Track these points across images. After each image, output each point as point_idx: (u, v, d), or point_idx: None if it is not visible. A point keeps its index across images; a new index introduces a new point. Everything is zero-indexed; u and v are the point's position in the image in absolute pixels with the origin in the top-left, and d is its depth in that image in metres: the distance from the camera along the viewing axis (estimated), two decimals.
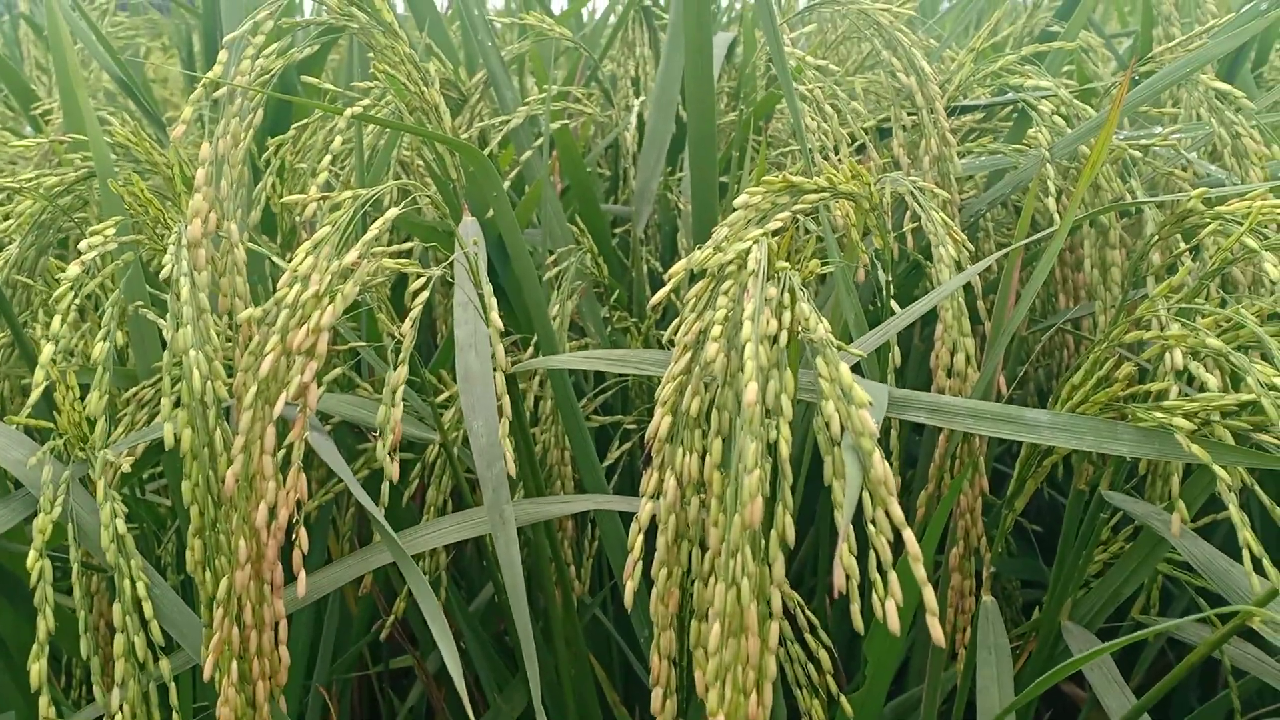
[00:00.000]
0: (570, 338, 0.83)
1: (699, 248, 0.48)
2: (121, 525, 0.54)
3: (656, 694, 0.48)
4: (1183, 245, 0.63)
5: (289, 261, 0.51)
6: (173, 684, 0.55)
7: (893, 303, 0.64)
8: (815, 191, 0.55)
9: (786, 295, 0.44)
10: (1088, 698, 0.70)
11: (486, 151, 0.82)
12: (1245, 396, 0.49)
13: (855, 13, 0.74)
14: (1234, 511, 0.49)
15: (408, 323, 0.55)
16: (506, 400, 0.56)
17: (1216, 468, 0.49)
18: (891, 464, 0.66)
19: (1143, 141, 0.72)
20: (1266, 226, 0.53)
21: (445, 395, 0.72)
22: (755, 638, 0.42)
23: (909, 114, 0.74)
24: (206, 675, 0.52)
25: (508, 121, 0.84)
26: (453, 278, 0.58)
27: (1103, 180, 0.72)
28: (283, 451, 0.50)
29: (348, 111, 0.62)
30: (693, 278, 0.48)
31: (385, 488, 0.56)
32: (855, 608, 0.42)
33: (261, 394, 0.50)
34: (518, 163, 0.86)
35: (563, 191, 0.96)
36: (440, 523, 0.62)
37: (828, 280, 0.74)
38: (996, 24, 0.89)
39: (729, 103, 1.04)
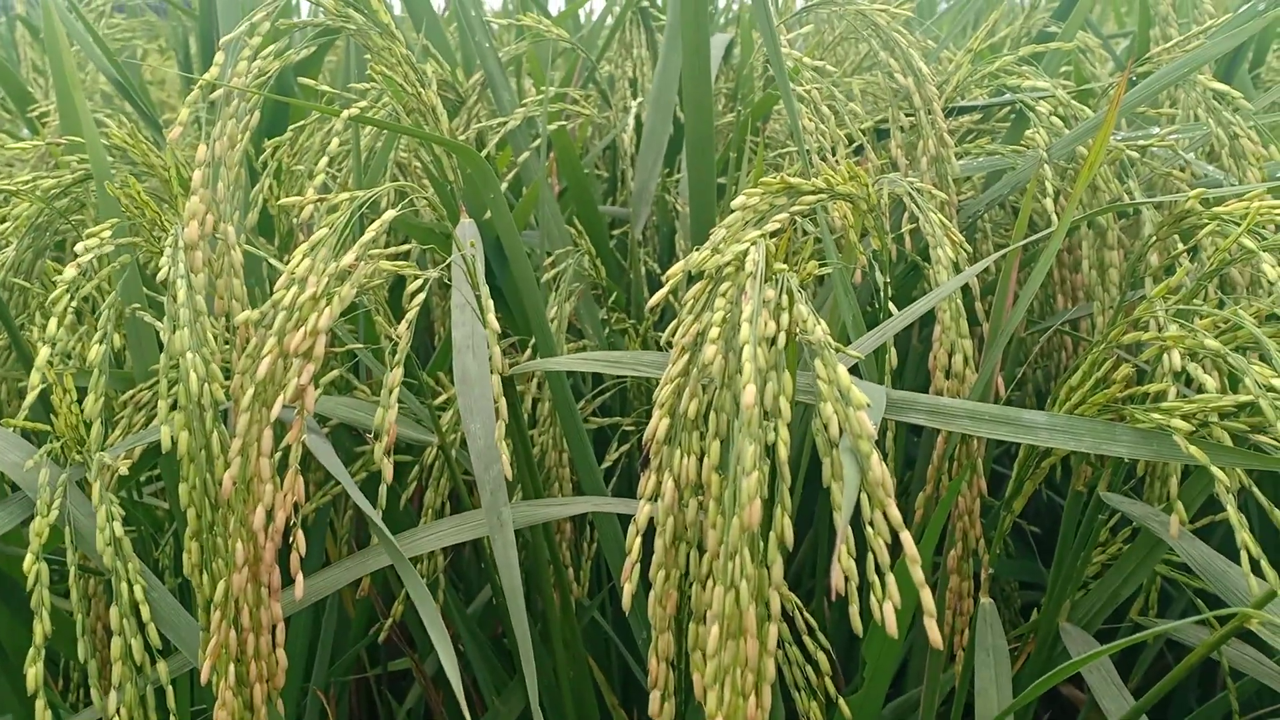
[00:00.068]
0: (568, 339, 0.82)
1: (697, 249, 0.47)
2: (119, 528, 0.54)
3: (655, 696, 0.48)
4: (1181, 246, 0.63)
5: (286, 263, 0.51)
6: (170, 687, 0.55)
7: (890, 304, 0.64)
8: (813, 193, 0.55)
9: (784, 297, 0.44)
10: (1086, 699, 0.70)
11: (484, 153, 0.82)
12: (1243, 398, 0.49)
13: (852, 13, 0.74)
14: (1232, 513, 0.49)
15: (404, 324, 0.55)
16: (504, 402, 0.56)
17: (1214, 469, 0.49)
18: (890, 466, 0.66)
19: (1140, 142, 0.72)
20: (1264, 227, 0.53)
21: (443, 398, 0.72)
22: (754, 640, 0.42)
23: (906, 115, 0.74)
24: (204, 678, 0.52)
25: (505, 123, 0.84)
26: (450, 280, 0.58)
27: (1100, 181, 0.72)
28: (280, 454, 0.50)
29: (345, 113, 0.62)
30: (691, 279, 0.48)
31: (382, 490, 0.56)
32: (854, 609, 0.42)
33: (259, 396, 0.50)
34: (515, 164, 0.86)
35: (560, 193, 0.96)
36: (438, 525, 0.62)
37: (826, 282, 0.74)
38: (994, 25, 0.89)
39: (726, 104, 1.04)
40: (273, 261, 0.67)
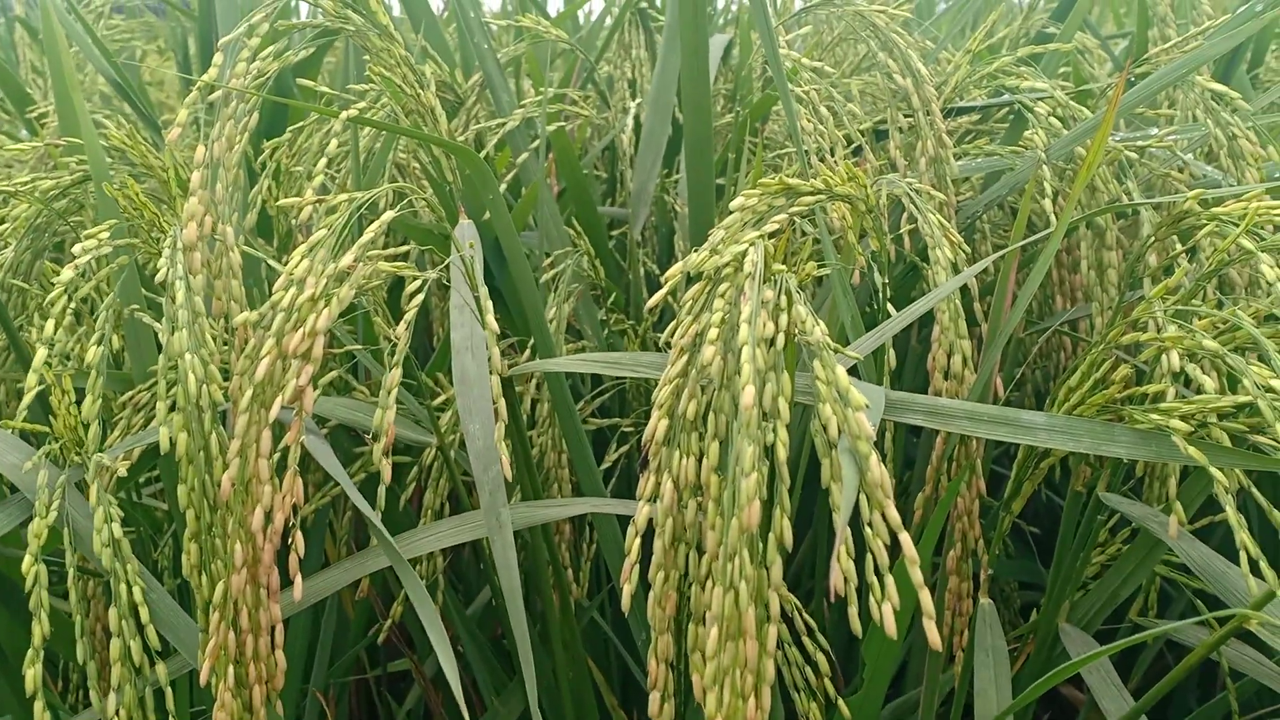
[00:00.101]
0: (567, 340, 0.82)
1: (696, 250, 0.48)
2: (118, 529, 0.54)
3: (654, 698, 0.48)
4: (1179, 247, 0.63)
5: (285, 265, 0.51)
6: (169, 688, 0.55)
7: (889, 305, 0.64)
8: (811, 194, 0.55)
9: (783, 298, 0.44)
10: (1086, 700, 0.70)
11: (483, 154, 0.82)
12: (1242, 398, 0.49)
13: (851, 14, 0.74)
14: (1231, 513, 0.49)
15: (402, 325, 0.55)
16: (503, 403, 0.56)
17: (1213, 470, 0.49)
18: (889, 466, 0.66)
19: (1139, 143, 0.72)
20: (1263, 228, 0.53)
21: (442, 398, 0.72)
22: (753, 641, 0.42)
23: (905, 116, 0.74)
24: (203, 679, 0.52)
25: (504, 124, 0.84)
26: (449, 281, 0.58)
27: (1099, 182, 0.72)
28: (279, 455, 0.50)
29: (344, 114, 0.62)
30: (689, 280, 0.48)
31: (381, 491, 0.56)
32: (853, 611, 0.42)
33: (257, 397, 0.50)
34: (514, 165, 0.86)
35: (559, 194, 0.96)
36: (437, 526, 0.62)
37: (824, 282, 0.74)
38: (993, 25, 0.89)
39: (725, 105, 1.04)
40: (271, 263, 0.67)
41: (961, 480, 0.62)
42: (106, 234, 0.56)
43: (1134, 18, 0.94)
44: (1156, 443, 0.51)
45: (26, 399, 0.53)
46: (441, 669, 0.51)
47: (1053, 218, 0.71)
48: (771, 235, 0.49)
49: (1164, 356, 0.52)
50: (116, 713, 0.54)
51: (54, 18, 0.69)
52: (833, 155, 0.73)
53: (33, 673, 0.53)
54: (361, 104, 0.72)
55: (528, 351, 0.76)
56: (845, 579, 0.41)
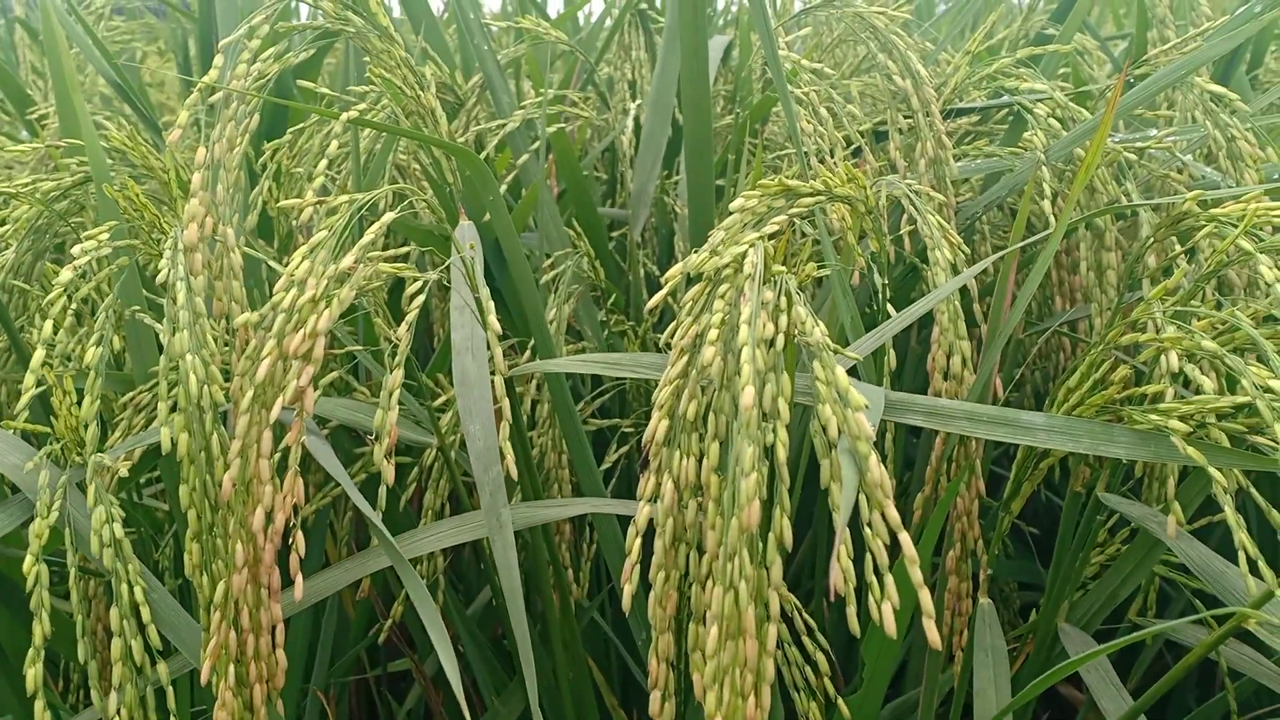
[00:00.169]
0: (567, 341, 0.83)
1: (695, 251, 0.48)
2: (119, 529, 0.54)
3: (655, 697, 0.49)
4: (1178, 248, 0.63)
5: (285, 266, 0.51)
6: (170, 688, 0.55)
7: (889, 306, 0.64)
8: (811, 195, 0.55)
9: (783, 299, 0.44)
10: (1085, 699, 0.70)
11: (483, 155, 0.82)
12: (1241, 399, 0.50)
13: (851, 16, 0.74)
14: (1230, 513, 0.49)
15: (404, 326, 0.55)
16: (507, 403, 0.56)
17: (1212, 470, 0.49)
18: (889, 467, 0.66)
19: (1138, 144, 0.72)
20: (1261, 229, 0.53)
21: (442, 399, 0.72)
22: (753, 640, 0.42)
23: (905, 117, 0.74)
24: (204, 679, 0.52)
25: (504, 125, 0.84)
26: (449, 282, 0.58)
27: (1098, 183, 0.72)
28: (279, 455, 0.50)
29: (344, 116, 0.62)
30: (689, 281, 0.48)
31: (382, 491, 0.56)
32: (851, 611, 0.42)
33: (258, 398, 0.50)
34: (514, 166, 0.86)
35: (559, 195, 0.96)
36: (438, 526, 0.62)
37: (824, 284, 0.74)
38: (992, 27, 0.89)
39: (725, 106, 1.04)
40: (272, 264, 0.67)
41: (961, 480, 0.62)
42: (106, 235, 0.56)
43: (1133, 19, 0.94)
44: (1155, 443, 0.51)
45: (24, 399, 0.53)
46: (442, 669, 0.51)
47: (1052, 219, 0.71)
48: (771, 236, 0.49)
49: (1163, 357, 0.52)
50: (117, 712, 0.54)
51: (54, 19, 0.69)
52: (832, 156, 0.73)
53: (33, 672, 0.53)
54: (362, 105, 0.72)
55: (528, 352, 0.76)
56: (845, 579, 0.41)
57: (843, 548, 0.41)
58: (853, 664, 0.78)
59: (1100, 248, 0.73)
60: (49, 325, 0.54)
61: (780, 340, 0.43)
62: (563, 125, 0.90)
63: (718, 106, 1.04)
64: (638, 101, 0.98)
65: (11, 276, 0.68)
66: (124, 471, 0.62)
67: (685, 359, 0.46)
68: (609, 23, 1.28)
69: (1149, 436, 0.51)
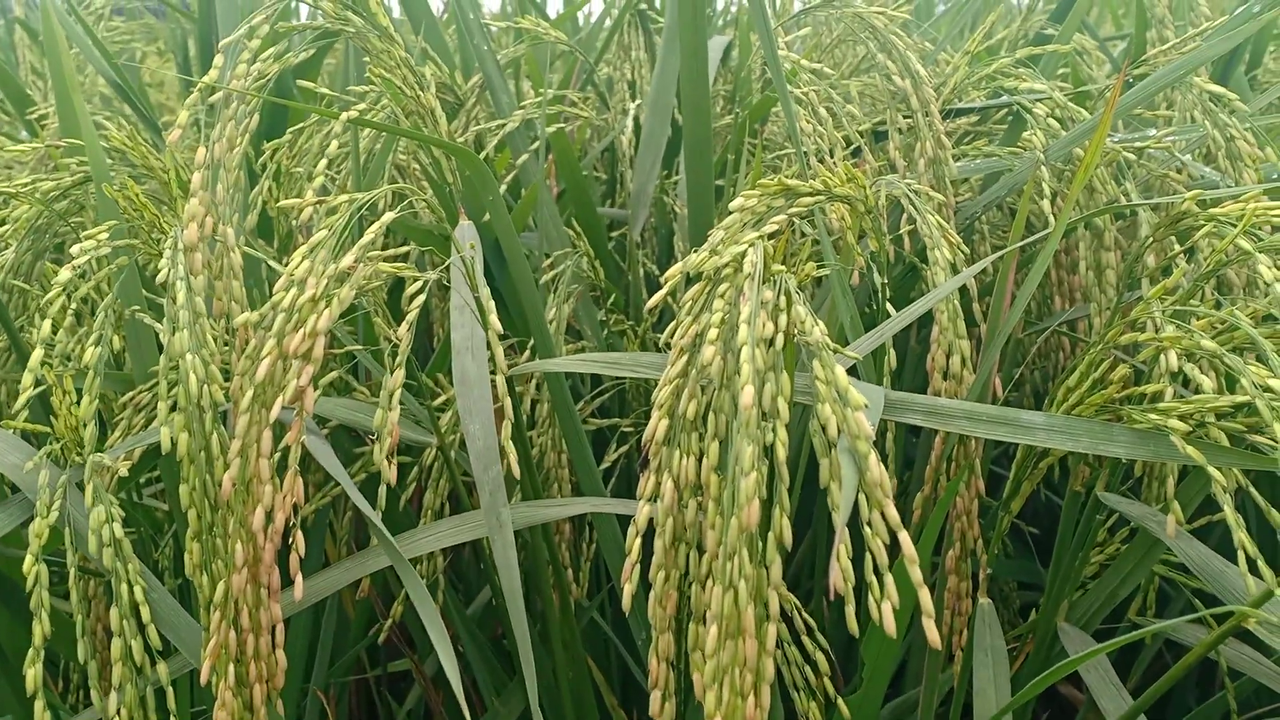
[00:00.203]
0: (567, 341, 0.83)
1: (695, 251, 0.48)
2: (118, 529, 0.54)
3: (655, 697, 0.49)
4: (1177, 247, 0.63)
5: (285, 265, 0.51)
6: (170, 688, 0.55)
7: (888, 305, 0.64)
8: (811, 195, 0.55)
9: (782, 298, 0.44)
10: (1085, 699, 0.70)
11: (483, 155, 0.82)
12: (1240, 398, 0.50)
13: (850, 16, 0.74)
14: (1229, 513, 0.49)
15: (404, 326, 0.55)
16: (509, 402, 0.56)
17: (1211, 469, 0.49)
18: (889, 466, 0.66)
19: (1137, 144, 0.72)
20: (1260, 228, 0.53)
21: (442, 399, 0.72)
22: (752, 640, 0.42)
23: (904, 117, 0.74)
24: (204, 679, 0.52)
25: (504, 125, 0.84)
26: (449, 281, 0.58)
27: (1097, 183, 0.72)
28: (279, 455, 0.50)
29: (344, 115, 0.62)
30: (689, 281, 0.48)
31: (382, 491, 0.56)
32: (849, 610, 0.42)
33: (258, 398, 0.50)
34: (514, 166, 0.86)
35: (559, 195, 0.96)
36: (437, 526, 0.62)
37: (824, 283, 0.74)
38: (991, 27, 0.89)
39: (725, 106, 1.04)
40: (272, 263, 0.67)
41: (960, 480, 0.62)
42: (105, 235, 0.56)
43: (1132, 19, 0.94)
44: (1155, 442, 0.51)
45: (22, 399, 0.53)
46: (441, 669, 0.51)
47: (1051, 218, 0.71)
48: (771, 236, 0.49)
49: (1162, 356, 0.52)
50: (117, 712, 0.54)
51: (54, 19, 0.69)
52: (832, 156, 0.73)
53: (33, 672, 0.53)
54: (362, 105, 0.72)
55: (528, 352, 0.76)
56: (844, 578, 0.41)
57: (842, 547, 0.41)
58: (852, 664, 0.78)
59: (1099, 247, 0.73)
60: (47, 325, 0.54)
61: (780, 339, 0.43)
62: (562, 125, 0.91)
63: (717, 106, 1.04)
64: (637, 101, 0.98)
65: (11, 276, 0.68)
66: (124, 471, 0.62)
67: (685, 358, 0.46)
68: (608, 23, 1.28)
69: (1148, 436, 0.51)
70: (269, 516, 0.50)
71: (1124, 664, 0.75)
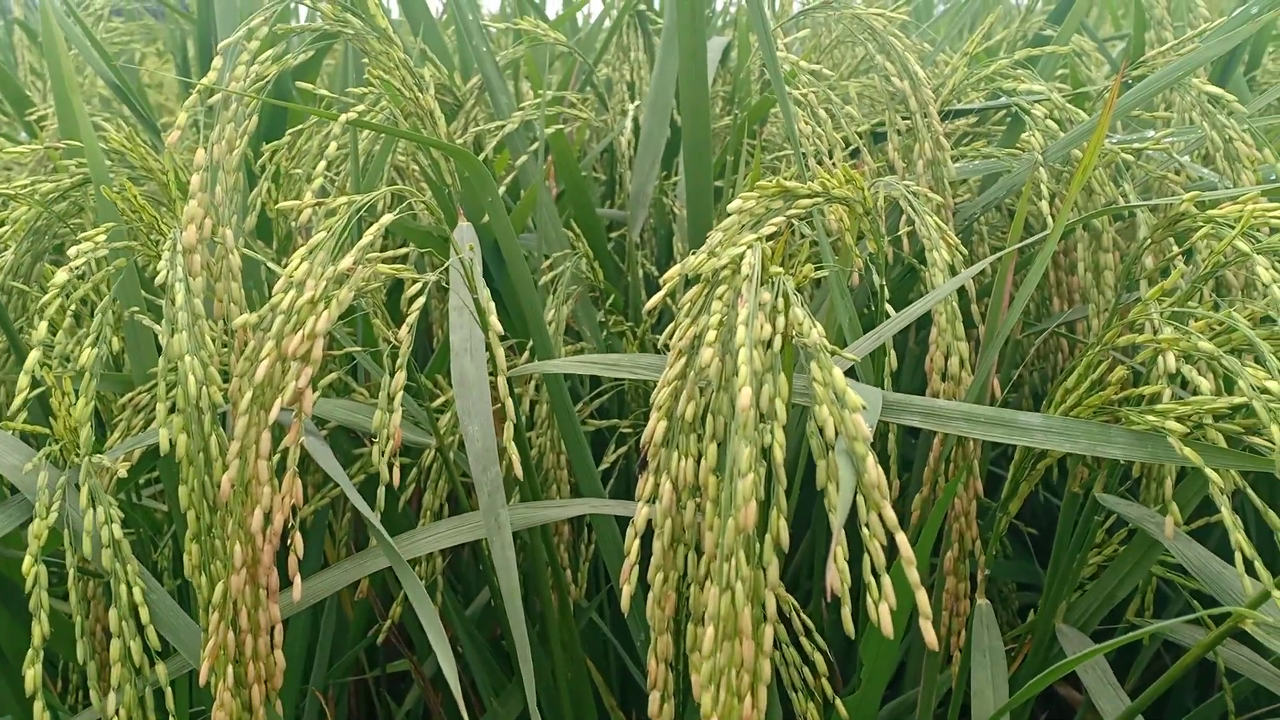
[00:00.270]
0: (566, 342, 0.83)
1: (694, 252, 0.48)
2: (118, 530, 0.54)
3: (654, 698, 0.49)
4: (1175, 249, 0.63)
5: (284, 267, 0.51)
6: (169, 688, 0.55)
7: (887, 307, 0.64)
8: (809, 196, 0.55)
9: (781, 300, 0.45)
10: (1083, 700, 0.70)
11: (481, 156, 0.82)
12: (1238, 400, 0.50)
13: (849, 17, 0.74)
14: (1226, 514, 0.49)
15: (404, 328, 0.55)
16: (510, 403, 0.56)
17: (1209, 471, 0.49)
18: (888, 468, 0.66)
19: (1135, 145, 0.72)
20: (1258, 230, 0.53)
21: (441, 400, 0.72)
22: (750, 641, 0.42)
23: (903, 118, 0.75)
24: (203, 679, 0.52)
25: (503, 126, 0.84)
26: (448, 283, 0.58)
27: (1095, 184, 0.72)
28: (278, 456, 0.51)
29: (343, 117, 0.62)
30: (688, 282, 0.48)
31: (381, 492, 0.56)
32: (845, 612, 0.42)
33: (257, 399, 0.50)
34: (513, 167, 0.86)
35: (558, 196, 0.96)
36: (436, 527, 0.62)
37: (822, 285, 0.74)
38: (990, 28, 0.89)
39: (723, 107, 1.04)
40: (271, 265, 0.67)
41: (959, 481, 0.62)
42: (103, 237, 0.56)
43: (1131, 20, 0.94)
44: (1153, 444, 0.51)
45: (19, 400, 0.53)
46: (440, 669, 0.51)
47: (1049, 220, 0.71)
48: (769, 238, 0.49)
49: (1160, 358, 0.52)
50: (116, 712, 0.54)
51: (53, 20, 0.69)
52: (830, 158, 0.74)
53: (33, 673, 0.53)
54: (360, 107, 0.72)
55: (527, 353, 0.76)
56: (842, 580, 0.41)
57: (839, 549, 0.41)
58: (851, 665, 0.78)
59: (1098, 249, 0.73)
60: (44, 326, 0.54)
61: (778, 341, 0.43)
62: (561, 126, 0.91)
63: (716, 108, 1.04)
64: (636, 103, 0.98)
65: (10, 278, 0.68)
66: (123, 472, 0.62)
67: (683, 360, 0.46)
68: (607, 24, 1.28)
69: (1146, 437, 0.51)
70: (268, 518, 0.50)
71: (1122, 665, 0.75)
